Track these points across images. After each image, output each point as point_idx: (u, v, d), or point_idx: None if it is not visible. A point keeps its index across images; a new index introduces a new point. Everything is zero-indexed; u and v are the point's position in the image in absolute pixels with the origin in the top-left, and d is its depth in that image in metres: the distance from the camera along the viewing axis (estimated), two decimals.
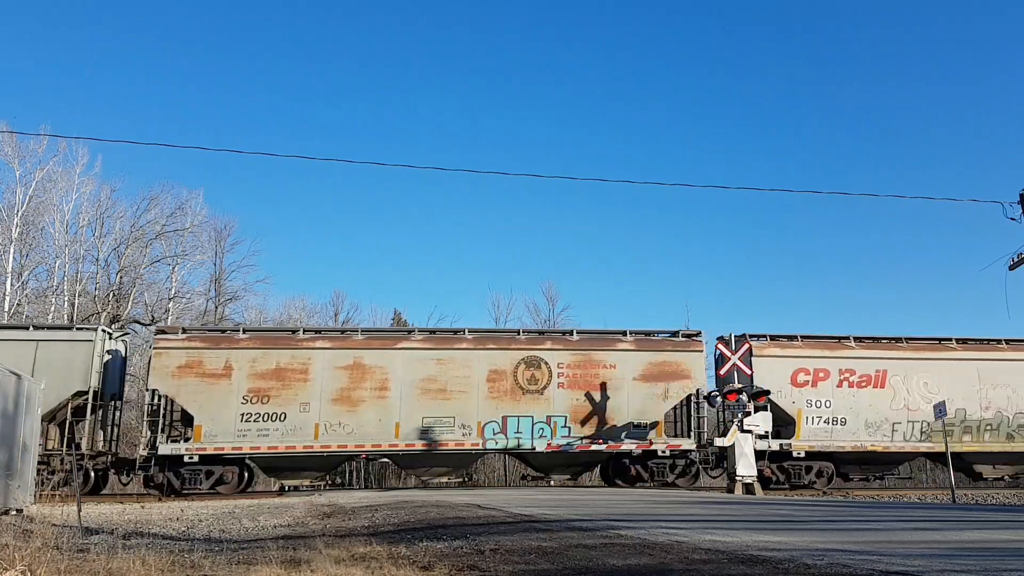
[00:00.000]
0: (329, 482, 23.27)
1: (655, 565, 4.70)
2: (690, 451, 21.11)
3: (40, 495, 13.76)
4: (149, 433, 19.74)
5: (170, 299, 37.82)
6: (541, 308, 43.74)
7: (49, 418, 19.34)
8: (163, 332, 20.75)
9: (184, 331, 20.70)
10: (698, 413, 21.42)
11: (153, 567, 5.95)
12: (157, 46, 67.70)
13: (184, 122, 65.76)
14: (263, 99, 72.95)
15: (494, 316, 44.10)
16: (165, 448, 19.27)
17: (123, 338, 22.51)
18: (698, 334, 22.08)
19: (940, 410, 17.99)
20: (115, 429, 21.57)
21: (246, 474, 20.76)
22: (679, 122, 78.98)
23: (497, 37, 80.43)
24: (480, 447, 20.48)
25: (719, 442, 18.78)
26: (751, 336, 21.50)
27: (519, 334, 22.13)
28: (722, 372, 19.98)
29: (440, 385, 20.53)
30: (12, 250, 32.45)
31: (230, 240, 40.93)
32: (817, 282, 71.64)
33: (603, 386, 20.96)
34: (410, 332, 22.17)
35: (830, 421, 21.35)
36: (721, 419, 21.70)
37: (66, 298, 33.88)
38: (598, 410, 20.84)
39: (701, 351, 21.77)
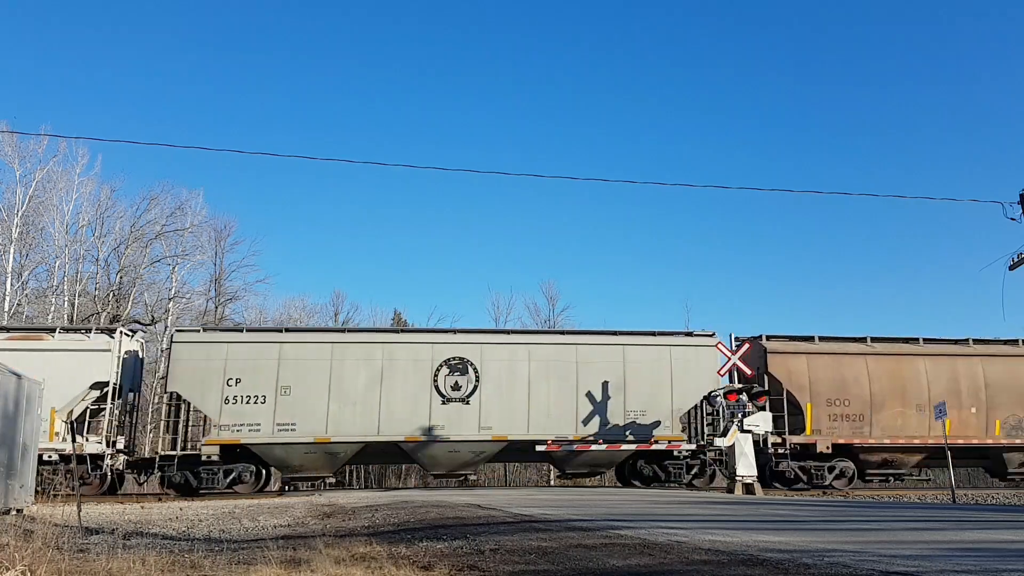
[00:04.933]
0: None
1: (655, 565, 4.70)
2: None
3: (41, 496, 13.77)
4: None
5: (170, 299, 37.80)
6: (541, 308, 43.71)
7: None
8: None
9: None
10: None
11: (153, 567, 5.95)
12: (157, 46, 67.76)
13: (184, 122, 65.82)
14: (263, 99, 73.02)
15: (494, 316, 44.07)
16: None
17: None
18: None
19: (940, 411, 18.01)
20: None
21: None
22: (679, 122, 79.08)
23: (498, 37, 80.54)
24: None
25: (719, 442, 18.76)
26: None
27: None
28: (721, 372, 19.98)
29: None
30: (12, 250, 32.44)
31: (230, 240, 40.92)
32: (817, 282, 71.70)
33: None
34: None
35: None
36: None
37: (66, 298, 33.87)
38: None
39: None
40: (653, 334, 22.59)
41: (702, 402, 21.68)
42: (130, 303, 36.69)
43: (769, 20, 79.09)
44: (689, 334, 22.64)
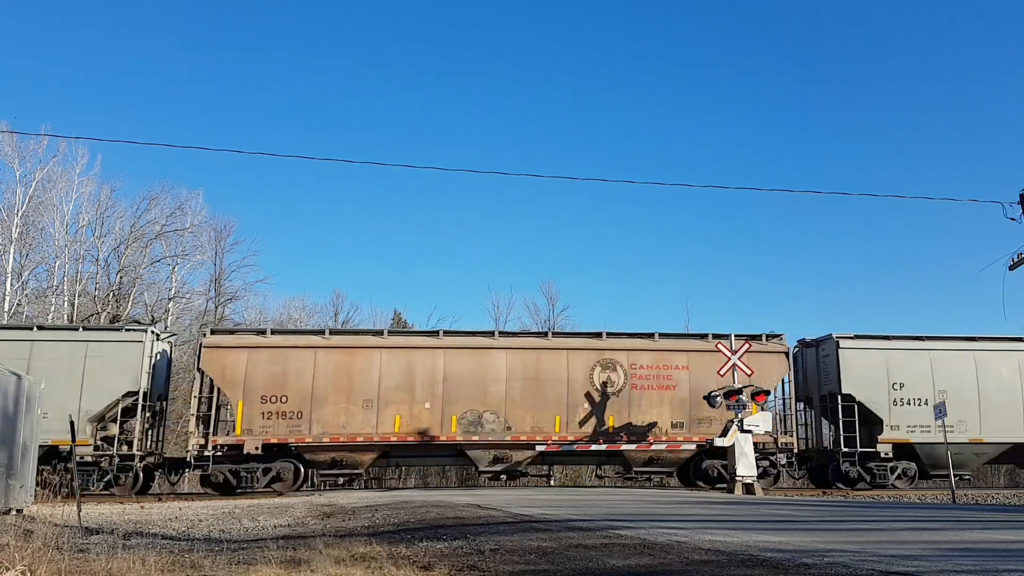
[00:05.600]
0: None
1: (655, 565, 4.70)
2: None
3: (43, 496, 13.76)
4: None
5: (170, 299, 37.82)
6: (541, 308, 43.69)
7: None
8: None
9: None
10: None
11: (153, 567, 5.95)
12: (157, 46, 67.75)
13: (184, 122, 65.78)
14: (263, 99, 72.99)
15: (494, 316, 44.04)
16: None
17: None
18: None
19: (940, 410, 18.02)
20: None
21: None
22: (679, 122, 79.06)
23: (498, 37, 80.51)
24: None
25: (719, 442, 18.74)
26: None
27: None
28: (721, 372, 19.96)
29: None
30: (12, 250, 32.45)
31: (230, 240, 40.87)
32: (817, 282, 71.69)
33: None
34: None
35: None
36: None
37: (66, 298, 33.86)
38: None
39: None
40: (72, 329, 21.19)
41: (131, 402, 19.89)
42: (130, 303, 36.68)
43: (769, 20, 79.13)
44: (115, 329, 21.16)
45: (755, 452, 18.51)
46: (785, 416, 22.35)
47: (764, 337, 21.67)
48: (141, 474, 19.96)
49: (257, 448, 19.52)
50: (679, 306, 78.09)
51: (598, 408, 20.88)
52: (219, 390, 20.02)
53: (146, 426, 20.39)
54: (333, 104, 75.31)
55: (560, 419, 20.59)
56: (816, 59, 79.29)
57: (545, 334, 23.03)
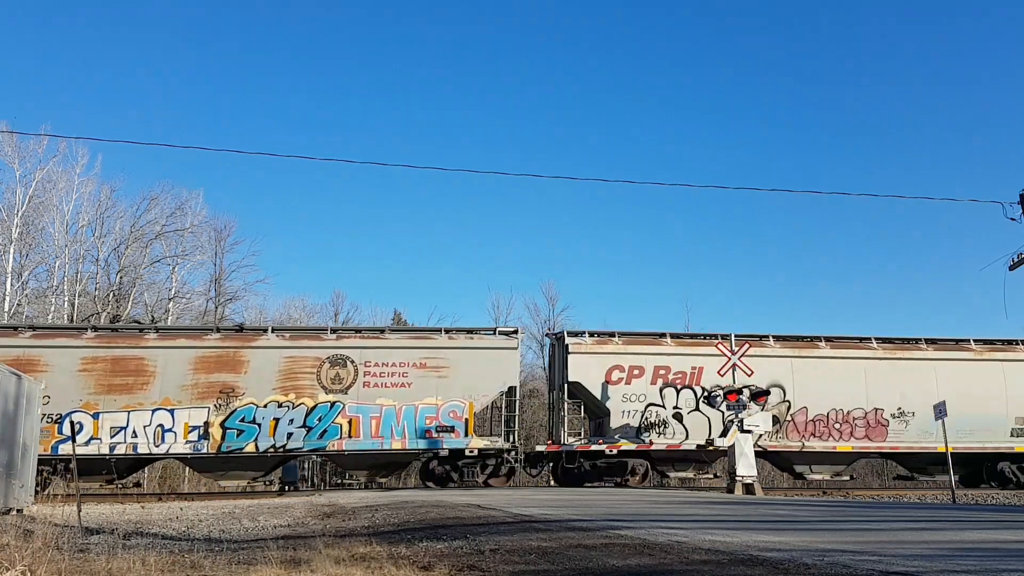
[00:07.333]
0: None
1: (655, 565, 4.70)
2: None
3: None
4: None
5: (170, 299, 37.84)
6: (541, 308, 43.72)
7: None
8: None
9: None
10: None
11: (153, 567, 5.95)
12: (157, 46, 67.79)
13: (184, 122, 65.84)
14: (263, 99, 73.01)
15: (494, 316, 44.07)
16: None
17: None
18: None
19: (940, 411, 18.01)
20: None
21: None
22: (679, 122, 79.08)
23: (498, 37, 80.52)
24: None
25: (719, 442, 18.75)
26: None
27: None
28: (721, 372, 19.92)
29: None
30: (12, 250, 32.43)
31: (230, 240, 40.88)
32: (817, 282, 71.71)
33: None
34: None
35: None
36: None
37: (66, 298, 33.86)
38: None
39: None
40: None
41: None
42: (130, 303, 36.69)
43: (769, 20, 79.11)
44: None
45: None
46: None
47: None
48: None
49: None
50: (679, 306, 78.25)
51: None
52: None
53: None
54: (333, 104, 75.41)
55: None
56: (816, 59, 79.34)
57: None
